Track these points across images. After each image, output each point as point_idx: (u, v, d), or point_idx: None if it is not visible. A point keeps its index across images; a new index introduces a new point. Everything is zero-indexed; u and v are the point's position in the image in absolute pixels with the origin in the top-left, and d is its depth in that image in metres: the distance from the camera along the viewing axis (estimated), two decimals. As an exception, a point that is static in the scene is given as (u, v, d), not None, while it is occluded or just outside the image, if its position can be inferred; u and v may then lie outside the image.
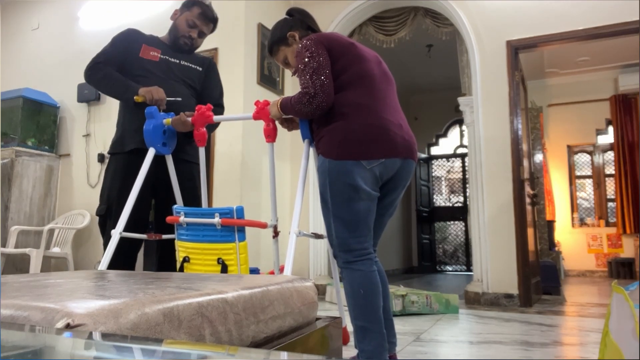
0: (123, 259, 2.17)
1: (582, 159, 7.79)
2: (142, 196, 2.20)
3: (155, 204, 2.43)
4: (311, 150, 2.06)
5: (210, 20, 2.48)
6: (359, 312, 1.70)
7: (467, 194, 8.53)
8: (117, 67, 2.37)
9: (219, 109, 2.52)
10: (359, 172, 1.71)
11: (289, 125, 2.09)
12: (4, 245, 4.13)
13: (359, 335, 1.71)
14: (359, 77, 1.81)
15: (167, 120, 2.26)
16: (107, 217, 2.27)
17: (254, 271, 2.18)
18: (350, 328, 2.52)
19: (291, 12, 2.06)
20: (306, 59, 1.77)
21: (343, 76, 1.79)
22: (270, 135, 2.12)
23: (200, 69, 2.53)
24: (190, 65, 2.50)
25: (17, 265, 4.34)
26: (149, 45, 2.43)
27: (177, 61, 2.46)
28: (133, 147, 2.29)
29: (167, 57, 2.44)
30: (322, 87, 1.72)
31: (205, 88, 2.55)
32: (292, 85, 4.83)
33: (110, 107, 4.67)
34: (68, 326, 0.59)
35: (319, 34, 1.89)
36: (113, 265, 2.07)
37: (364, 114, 1.76)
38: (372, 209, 1.78)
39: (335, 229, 1.76)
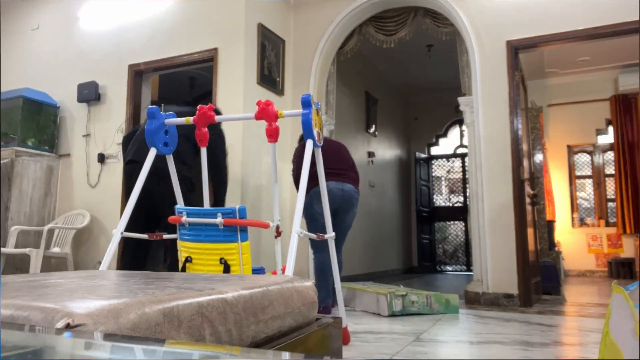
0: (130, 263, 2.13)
1: (582, 159, 7.79)
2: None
3: None
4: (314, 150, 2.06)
5: None
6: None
7: (467, 194, 8.52)
8: None
9: None
10: None
11: None
12: (4, 245, 4.13)
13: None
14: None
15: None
16: None
17: (259, 270, 2.18)
18: (350, 328, 2.52)
19: None
20: None
21: None
22: (273, 135, 2.12)
23: None
24: None
25: (17, 265, 4.34)
26: None
27: None
28: None
29: None
30: None
31: None
32: (292, 85, 4.83)
33: (110, 107, 4.67)
34: (68, 326, 0.59)
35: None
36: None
37: None
38: None
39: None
